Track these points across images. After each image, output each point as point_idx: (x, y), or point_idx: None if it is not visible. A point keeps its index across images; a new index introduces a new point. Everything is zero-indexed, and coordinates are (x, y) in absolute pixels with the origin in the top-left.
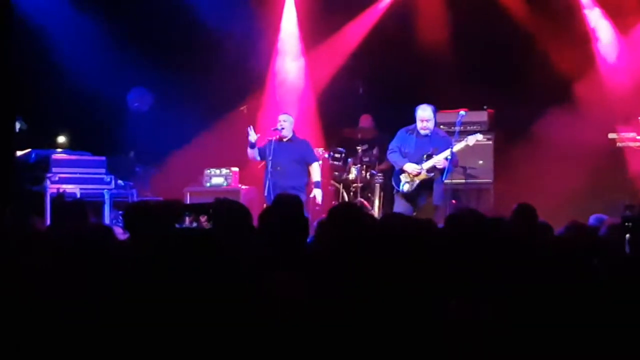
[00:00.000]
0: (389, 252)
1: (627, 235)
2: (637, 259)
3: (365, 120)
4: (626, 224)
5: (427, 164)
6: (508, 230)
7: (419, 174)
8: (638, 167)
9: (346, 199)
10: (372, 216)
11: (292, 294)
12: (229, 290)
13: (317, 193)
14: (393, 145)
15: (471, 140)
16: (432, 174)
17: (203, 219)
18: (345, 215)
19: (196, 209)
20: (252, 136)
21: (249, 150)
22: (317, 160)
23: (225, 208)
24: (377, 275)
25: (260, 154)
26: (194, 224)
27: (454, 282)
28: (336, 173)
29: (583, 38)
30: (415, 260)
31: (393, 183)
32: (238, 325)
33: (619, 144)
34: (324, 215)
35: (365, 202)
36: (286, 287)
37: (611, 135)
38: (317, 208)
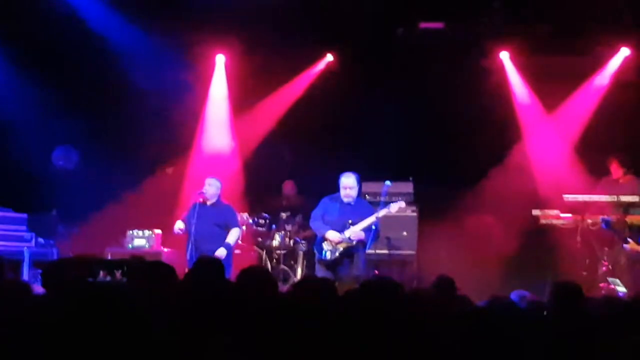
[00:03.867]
0: (299, 320)
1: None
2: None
3: (288, 186)
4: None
5: (349, 232)
6: (425, 300)
7: (341, 241)
8: (561, 245)
9: (269, 265)
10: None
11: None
12: (145, 347)
13: (220, 251)
14: (316, 213)
15: (393, 207)
16: (354, 242)
17: (118, 273)
18: (250, 280)
19: (111, 264)
20: (180, 225)
21: (175, 228)
22: (238, 227)
23: (140, 264)
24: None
25: (185, 222)
26: (108, 278)
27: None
28: (259, 239)
29: (511, 116)
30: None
31: (315, 250)
32: None
33: (542, 221)
34: None
35: (288, 269)
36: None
37: (535, 212)
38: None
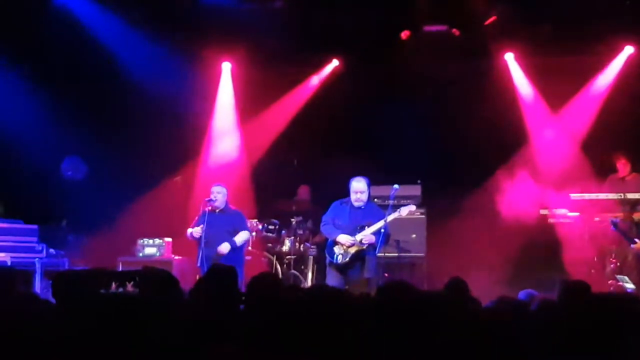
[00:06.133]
0: (316, 324)
1: None
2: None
3: (304, 191)
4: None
5: (360, 235)
6: (441, 303)
7: (352, 245)
8: (568, 243)
9: (279, 271)
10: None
11: None
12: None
13: (223, 245)
14: (326, 217)
15: (404, 210)
16: (365, 245)
17: (129, 284)
18: (261, 286)
19: (123, 276)
20: (197, 232)
21: (189, 233)
22: (248, 231)
23: (152, 275)
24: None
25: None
26: (120, 290)
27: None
28: (269, 245)
29: (517, 116)
30: (341, 333)
31: (326, 254)
32: None
33: (550, 220)
34: None
35: (299, 274)
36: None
37: (543, 211)
38: None
